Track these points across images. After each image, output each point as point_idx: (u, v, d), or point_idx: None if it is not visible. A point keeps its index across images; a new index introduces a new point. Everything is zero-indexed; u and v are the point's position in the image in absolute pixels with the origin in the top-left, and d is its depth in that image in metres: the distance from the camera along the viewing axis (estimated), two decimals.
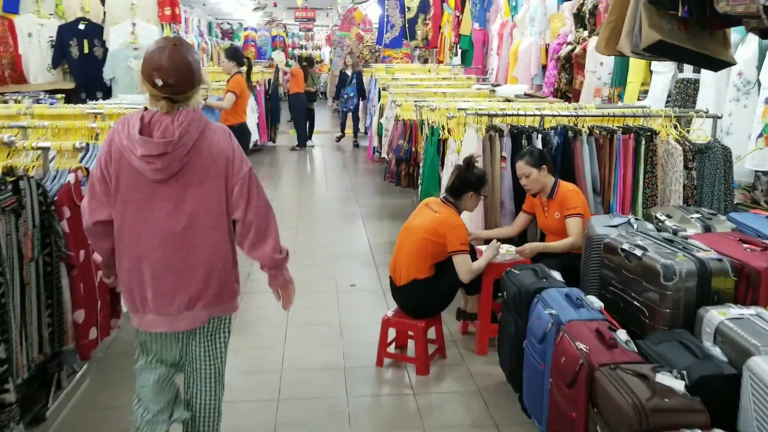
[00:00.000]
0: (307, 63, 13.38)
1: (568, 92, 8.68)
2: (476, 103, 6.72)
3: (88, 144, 4.00)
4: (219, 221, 2.68)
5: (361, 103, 12.91)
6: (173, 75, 2.48)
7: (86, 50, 7.82)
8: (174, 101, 2.54)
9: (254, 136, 11.24)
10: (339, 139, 13.53)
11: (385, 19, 13.41)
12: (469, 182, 4.05)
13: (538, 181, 4.28)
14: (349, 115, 13.21)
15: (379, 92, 10.85)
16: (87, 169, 3.55)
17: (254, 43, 23.72)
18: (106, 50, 7.88)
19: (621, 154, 4.59)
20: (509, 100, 7.91)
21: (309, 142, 12.93)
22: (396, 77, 11.06)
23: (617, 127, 4.76)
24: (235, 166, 2.69)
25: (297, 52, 24.90)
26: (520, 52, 9.94)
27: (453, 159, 5.15)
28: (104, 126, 4.08)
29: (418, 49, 14.25)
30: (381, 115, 10.23)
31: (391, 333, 4.19)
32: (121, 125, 2.56)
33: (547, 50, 9.53)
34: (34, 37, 7.65)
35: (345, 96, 12.87)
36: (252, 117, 11.08)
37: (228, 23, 24.28)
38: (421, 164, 6.47)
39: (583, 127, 4.74)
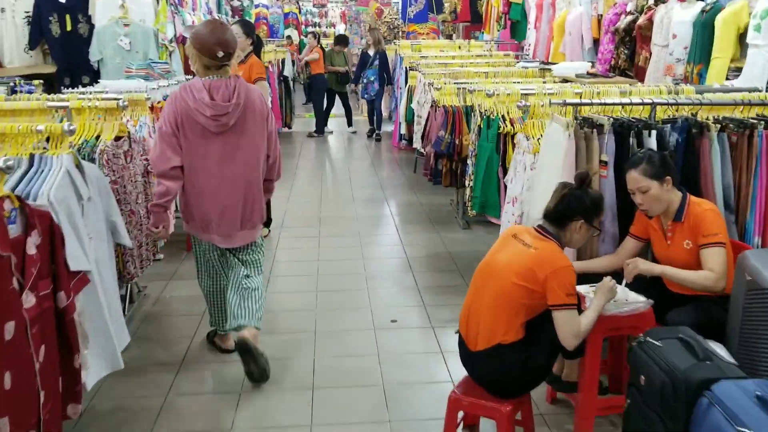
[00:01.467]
0: (341, 42, 11.80)
1: (627, 70, 7.39)
2: (534, 85, 5.46)
3: (31, 156, 2.80)
4: (260, 161, 3.55)
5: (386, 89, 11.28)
6: (231, 47, 3.38)
7: (69, 27, 6.59)
8: (226, 68, 3.39)
9: None
10: (372, 133, 11.35)
11: None
12: (580, 207, 2.82)
13: (659, 199, 3.04)
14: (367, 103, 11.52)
15: (406, 72, 9.57)
16: (19, 198, 2.35)
17: (266, 20, 22.35)
18: (92, 27, 6.65)
19: (764, 156, 3.33)
20: (566, 81, 6.63)
21: (326, 128, 11.65)
22: (424, 55, 9.76)
23: (757, 118, 3.49)
24: (270, 119, 3.62)
25: (310, 29, 23.51)
26: (567, 24, 8.63)
27: (526, 162, 3.91)
28: (55, 130, 2.86)
29: (445, 24, 12.91)
30: (409, 99, 8.98)
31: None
32: (185, 92, 3.34)
33: (599, 22, 8.23)
34: (8, 13, 6.43)
35: (365, 80, 11.08)
36: None
37: (238, 0, 22.90)
38: (470, 162, 5.23)
39: (709, 119, 3.48)
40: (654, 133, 3.36)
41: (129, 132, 3.93)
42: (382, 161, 9.59)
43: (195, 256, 3.75)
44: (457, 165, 6.01)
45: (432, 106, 6.50)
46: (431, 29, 11.85)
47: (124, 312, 4.20)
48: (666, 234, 3.15)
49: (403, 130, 9.37)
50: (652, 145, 3.35)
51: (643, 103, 3.70)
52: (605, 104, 3.78)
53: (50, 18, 6.52)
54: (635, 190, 3.07)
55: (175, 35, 6.84)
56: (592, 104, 3.75)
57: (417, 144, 7.71)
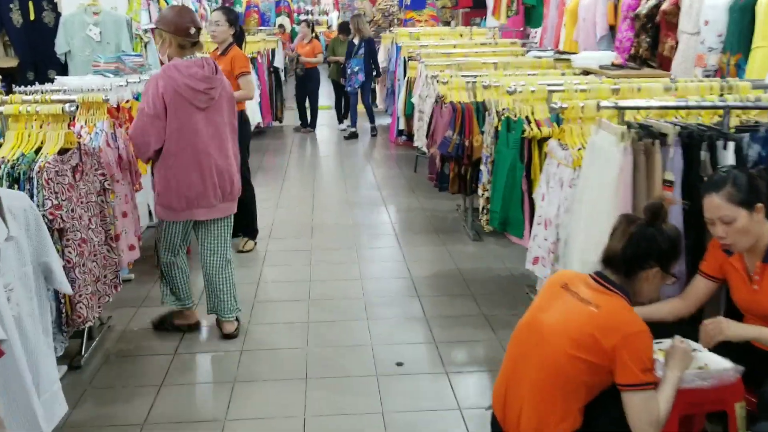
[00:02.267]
0: (345, 30, 10.71)
1: (649, 60, 6.67)
2: (557, 79, 4.74)
3: None
4: (234, 134, 3.83)
5: (374, 81, 10.35)
6: (199, 23, 3.62)
7: (32, 16, 5.83)
8: (200, 44, 3.64)
9: (256, 119, 9.26)
10: (348, 134, 10.24)
11: None
12: (655, 251, 2.14)
13: (747, 231, 2.35)
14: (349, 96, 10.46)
15: (405, 63, 8.82)
16: None
17: (257, 8, 21.56)
18: (58, 15, 5.89)
19: None
20: (587, 73, 5.91)
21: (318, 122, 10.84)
22: (423, 44, 9.00)
23: None
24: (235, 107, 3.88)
25: (303, 17, 22.62)
26: (581, 10, 7.88)
27: (563, 177, 3.21)
28: None
29: (443, 10, 12.11)
30: (408, 92, 8.24)
31: None
32: (170, 70, 3.45)
33: (616, 7, 7.52)
34: None
35: (349, 71, 10.08)
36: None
37: None
38: (484, 169, 4.52)
39: None
40: (731, 144, 2.65)
41: (80, 143, 3.19)
42: (379, 159, 8.85)
43: (162, 235, 3.77)
44: (466, 169, 5.29)
45: (436, 102, 5.77)
46: (430, 16, 11.07)
47: (80, 352, 3.50)
48: (752, 276, 2.45)
49: (402, 125, 8.63)
50: (728, 159, 2.65)
51: (721, 106, 2.99)
52: (664, 108, 3.06)
53: (11, 5, 5.76)
54: (715, 219, 2.37)
55: (150, 23, 6.08)
56: (666, 108, 3.03)
57: (418, 142, 6.99)
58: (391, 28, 12.67)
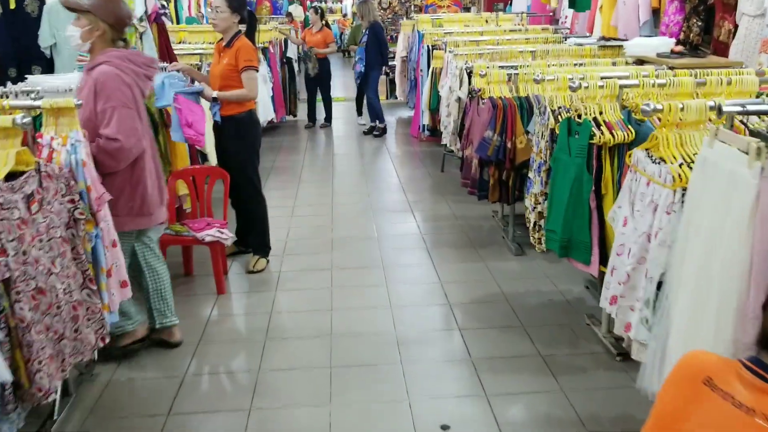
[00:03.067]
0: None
1: (701, 46, 5.87)
2: (621, 70, 3.97)
3: None
4: None
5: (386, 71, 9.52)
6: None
7: (12, 4, 5.10)
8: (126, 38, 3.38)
9: (269, 114, 8.54)
10: (371, 130, 9.23)
11: None
12: None
13: None
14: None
15: (429, 52, 8.05)
16: None
17: None
18: (42, 4, 5.17)
19: None
20: (641, 62, 5.13)
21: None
22: (448, 31, 8.22)
23: None
24: None
25: (315, 4, 21.81)
26: None
27: (658, 199, 2.46)
28: None
29: None
30: (433, 83, 7.48)
31: None
32: (126, 63, 3.14)
33: None
34: None
35: (355, 59, 9.44)
36: (265, 89, 8.35)
37: None
38: (533, 177, 3.78)
39: None
40: None
41: (39, 163, 2.48)
42: (402, 156, 8.10)
43: (133, 256, 3.39)
44: (508, 174, 4.55)
45: (471, 96, 5.02)
46: (452, 1, 10.26)
47: (52, 415, 2.82)
48: None
49: (426, 120, 7.89)
50: None
51: None
52: None
53: None
54: None
55: (146, 12, 5.34)
56: None
57: (447, 140, 6.24)
58: (411, 15, 11.87)
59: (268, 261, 4.63)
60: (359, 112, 9.78)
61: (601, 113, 3.21)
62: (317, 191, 6.59)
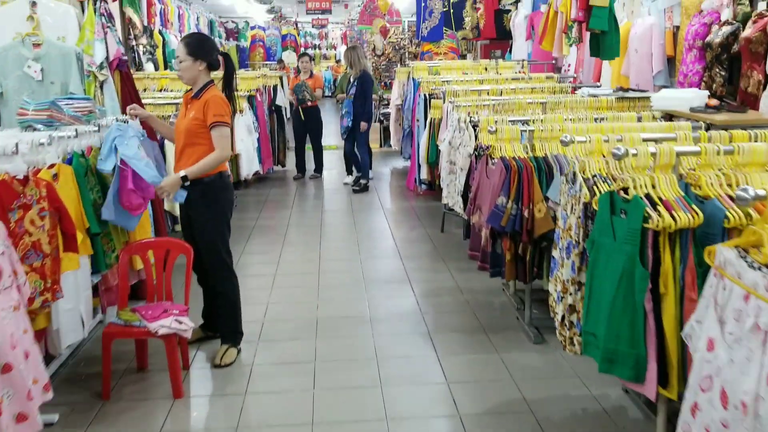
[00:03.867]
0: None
1: (725, 97, 5.22)
2: (667, 132, 3.27)
3: None
4: None
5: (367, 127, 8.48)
6: None
7: None
8: None
9: (253, 166, 7.84)
10: (356, 183, 8.56)
11: (422, 5, 9.91)
12: None
13: None
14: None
15: (426, 101, 7.40)
16: None
17: (263, 43, 20.43)
18: None
19: None
20: (670, 117, 4.46)
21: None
22: (445, 78, 7.59)
23: None
24: None
25: (310, 52, 21.34)
26: (633, 40, 6.51)
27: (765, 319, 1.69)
28: None
29: (464, 41, 10.72)
30: (431, 134, 6.81)
31: None
32: None
33: (674, 35, 6.15)
34: None
35: (342, 112, 8.58)
36: (250, 140, 7.67)
37: (233, 21, 20.86)
38: (557, 255, 3.03)
39: None
40: None
41: None
42: (398, 213, 7.37)
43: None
44: (525, 248, 3.81)
45: (478, 154, 4.32)
46: (449, 48, 9.69)
47: None
48: None
49: (424, 175, 7.19)
50: None
51: None
52: None
53: None
54: None
55: (107, 58, 4.65)
56: None
57: (449, 200, 5.52)
58: (407, 62, 11.30)
59: (239, 350, 3.84)
60: (348, 171, 8.96)
61: (653, 187, 2.49)
62: (303, 256, 5.82)
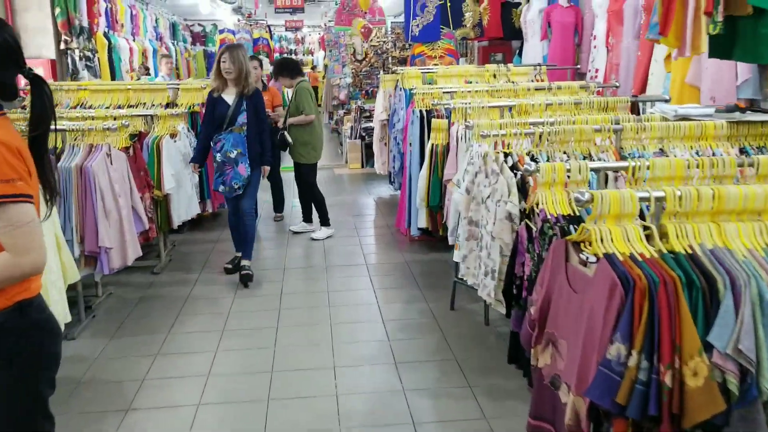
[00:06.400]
0: (282, 70, 6.49)
1: None
2: None
3: None
4: None
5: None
6: None
7: None
8: None
9: (193, 209, 5.78)
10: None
11: None
12: None
13: None
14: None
15: (422, 121, 5.43)
16: None
17: None
18: None
19: None
20: None
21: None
22: (447, 89, 5.60)
23: None
24: None
25: (263, 57, 19.25)
26: None
27: None
28: None
29: (464, 41, 8.75)
30: (432, 168, 4.85)
31: None
32: None
33: None
34: None
35: (219, 156, 4.93)
36: (185, 173, 5.63)
37: (199, 24, 18.76)
38: None
39: None
40: None
41: None
42: (386, 272, 5.32)
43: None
44: None
45: (543, 232, 2.33)
46: (446, 50, 7.69)
47: None
48: None
49: (423, 223, 5.15)
50: None
51: None
52: None
53: None
54: None
55: None
56: None
57: (468, 278, 3.53)
58: (391, 69, 9.31)
59: None
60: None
61: None
62: (246, 361, 3.77)
